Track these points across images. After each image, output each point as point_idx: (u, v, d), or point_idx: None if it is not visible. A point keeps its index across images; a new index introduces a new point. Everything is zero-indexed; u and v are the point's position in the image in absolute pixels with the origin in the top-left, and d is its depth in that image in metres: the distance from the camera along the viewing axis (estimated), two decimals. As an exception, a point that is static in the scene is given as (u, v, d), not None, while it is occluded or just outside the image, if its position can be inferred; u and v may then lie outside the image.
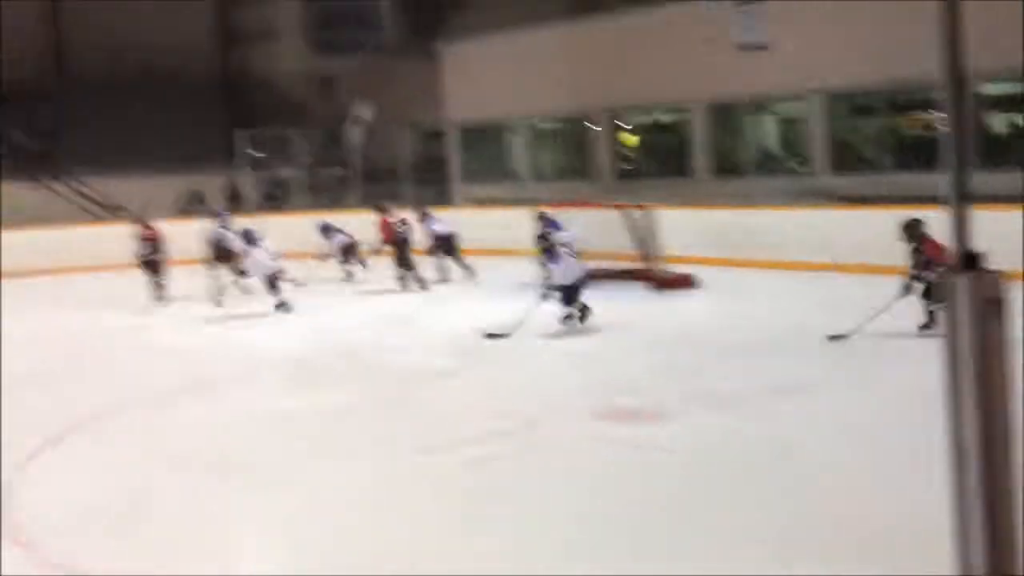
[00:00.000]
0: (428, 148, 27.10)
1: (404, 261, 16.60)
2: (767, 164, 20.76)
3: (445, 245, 17.30)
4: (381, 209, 17.70)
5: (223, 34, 31.35)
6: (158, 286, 16.30)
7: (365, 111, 24.58)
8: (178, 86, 27.29)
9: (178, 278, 16.82)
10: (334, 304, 15.80)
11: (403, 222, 16.91)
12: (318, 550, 5.85)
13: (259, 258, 14.58)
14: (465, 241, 17.57)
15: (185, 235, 17.64)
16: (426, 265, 16.84)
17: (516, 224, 17.32)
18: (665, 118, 22.87)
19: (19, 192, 23.77)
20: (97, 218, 22.25)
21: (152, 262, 16.36)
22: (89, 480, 7.42)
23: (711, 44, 19.85)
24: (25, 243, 20.89)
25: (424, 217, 17.72)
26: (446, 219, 17.95)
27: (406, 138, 25.63)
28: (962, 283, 3.30)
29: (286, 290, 14.79)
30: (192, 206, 25.33)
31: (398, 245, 16.71)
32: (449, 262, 17.19)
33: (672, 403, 8.60)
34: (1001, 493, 3.29)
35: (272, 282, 14.51)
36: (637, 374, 10.02)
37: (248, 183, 25.10)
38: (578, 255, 12.49)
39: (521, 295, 13.40)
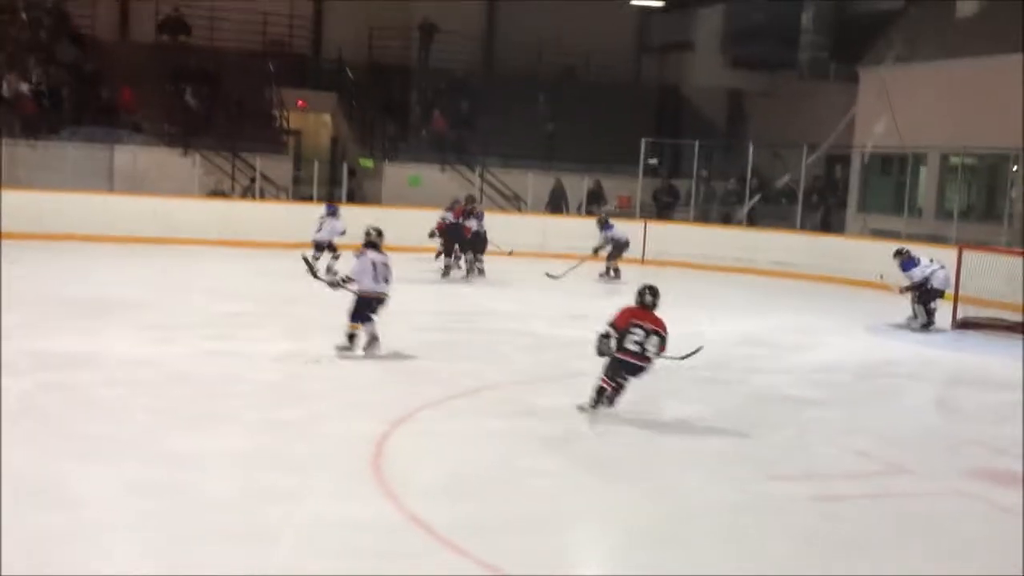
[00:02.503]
0: (829, 172, 26.35)
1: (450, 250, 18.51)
2: None
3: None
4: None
5: (641, 42, 31.85)
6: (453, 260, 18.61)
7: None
8: (592, 89, 28.05)
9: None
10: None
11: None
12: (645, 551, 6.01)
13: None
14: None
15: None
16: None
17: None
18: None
19: (427, 173, 25.59)
20: (498, 207, 23.39)
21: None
22: (455, 447, 7.96)
23: None
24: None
25: (603, 225, 19.39)
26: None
27: (804, 160, 25.02)
28: None
29: None
30: (589, 205, 26.09)
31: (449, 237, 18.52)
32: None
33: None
34: None
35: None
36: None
37: (642, 189, 25.44)
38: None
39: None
